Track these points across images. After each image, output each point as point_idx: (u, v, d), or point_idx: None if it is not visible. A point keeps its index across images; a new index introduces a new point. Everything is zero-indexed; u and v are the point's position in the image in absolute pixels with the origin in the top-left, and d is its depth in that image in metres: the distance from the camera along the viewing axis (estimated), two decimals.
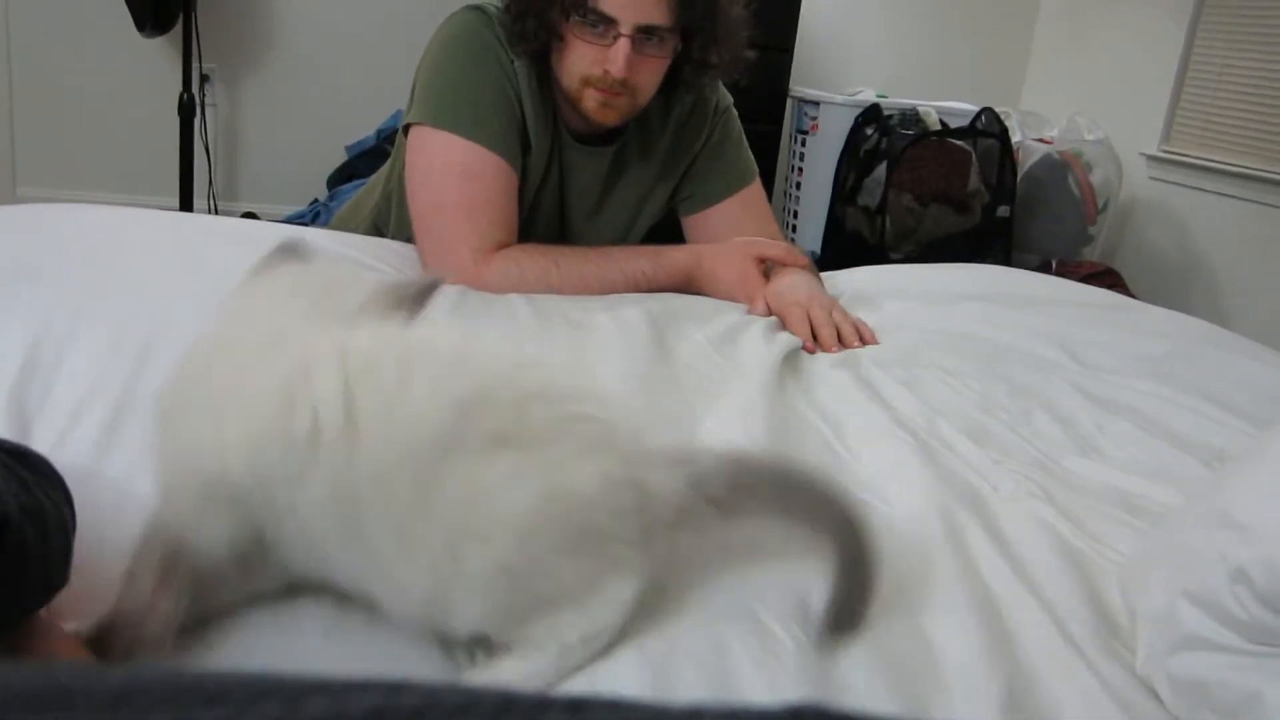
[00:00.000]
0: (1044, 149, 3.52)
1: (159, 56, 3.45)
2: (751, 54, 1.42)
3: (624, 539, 0.61)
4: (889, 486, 0.85)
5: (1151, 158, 3.61)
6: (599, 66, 1.29)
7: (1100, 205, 3.52)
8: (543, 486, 0.57)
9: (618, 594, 0.61)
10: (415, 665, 0.60)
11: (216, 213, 3.57)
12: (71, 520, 0.55)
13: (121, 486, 0.71)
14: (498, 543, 0.56)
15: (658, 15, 1.28)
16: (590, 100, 1.33)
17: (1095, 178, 3.51)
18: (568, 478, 0.58)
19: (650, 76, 1.34)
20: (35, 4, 3.39)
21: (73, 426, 0.78)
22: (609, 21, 1.27)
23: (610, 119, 1.36)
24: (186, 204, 3.38)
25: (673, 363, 1.07)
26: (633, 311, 1.20)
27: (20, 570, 0.48)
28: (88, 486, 0.62)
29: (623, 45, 1.27)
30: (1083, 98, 3.86)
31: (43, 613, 0.53)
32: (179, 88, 3.30)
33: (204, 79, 3.46)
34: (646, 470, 0.61)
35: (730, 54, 1.39)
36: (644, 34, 1.28)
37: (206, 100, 3.50)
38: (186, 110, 3.29)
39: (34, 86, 3.46)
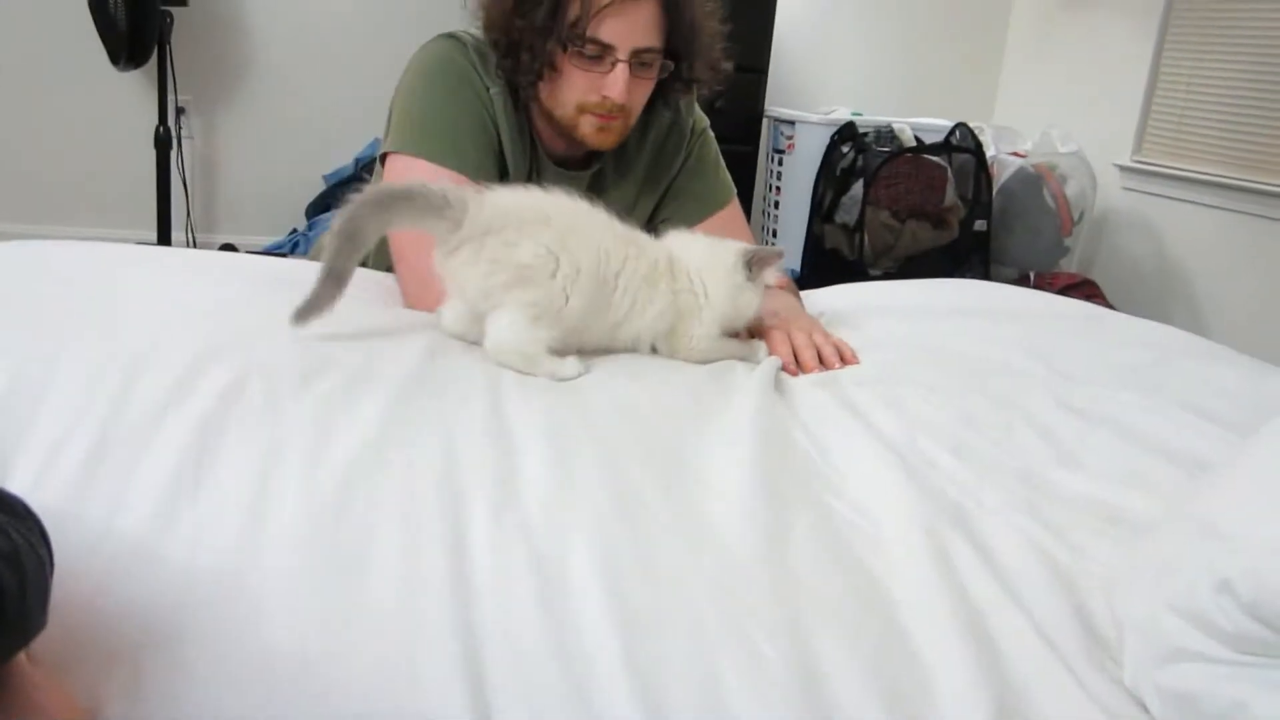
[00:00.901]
0: (1018, 162, 3.56)
1: (134, 90, 3.45)
2: (729, 66, 1.44)
3: None
4: (874, 504, 0.86)
5: (1124, 168, 3.65)
6: (596, 93, 1.31)
7: (1075, 217, 3.55)
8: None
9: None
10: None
11: (195, 245, 3.56)
12: (49, 561, 0.55)
13: (100, 525, 0.70)
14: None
15: (652, 39, 1.30)
16: (587, 126, 1.34)
17: (1070, 190, 3.54)
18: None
19: (642, 97, 1.37)
20: (9, 38, 3.38)
21: (51, 465, 0.77)
22: (606, 49, 1.28)
23: (608, 143, 1.37)
24: (164, 237, 3.37)
25: (660, 386, 1.07)
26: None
27: None
28: (66, 526, 0.62)
29: (621, 71, 1.29)
30: (1055, 111, 3.90)
31: (22, 656, 0.52)
32: (154, 121, 3.30)
33: (180, 111, 3.46)
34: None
35: (709, 69, 1.41)
36: (638, 58, 1.30)
37: (183, 133, 3.50)
38: (162, 143, 3.28)
39: (8, 121, 3.45)
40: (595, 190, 1.48)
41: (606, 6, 1.27)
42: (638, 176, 1.50)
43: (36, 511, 0.56)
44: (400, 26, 3.48)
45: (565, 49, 1.30)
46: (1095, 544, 0.82)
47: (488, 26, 1.35)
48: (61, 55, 3.40)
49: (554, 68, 1.32)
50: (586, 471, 0.85)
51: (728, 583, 0.72)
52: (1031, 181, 3.52)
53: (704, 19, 1.37)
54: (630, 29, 1.28)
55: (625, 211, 1.51)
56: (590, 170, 1.46)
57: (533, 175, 1.43)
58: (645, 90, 1.36)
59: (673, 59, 1.35)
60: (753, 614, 0.69)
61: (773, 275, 1.25)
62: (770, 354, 1.23)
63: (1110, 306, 3.05)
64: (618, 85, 1.29)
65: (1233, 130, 3.29)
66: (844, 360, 1.24)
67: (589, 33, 1.28)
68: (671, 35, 1.32)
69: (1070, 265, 3.64)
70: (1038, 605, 0.73)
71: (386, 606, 0.66)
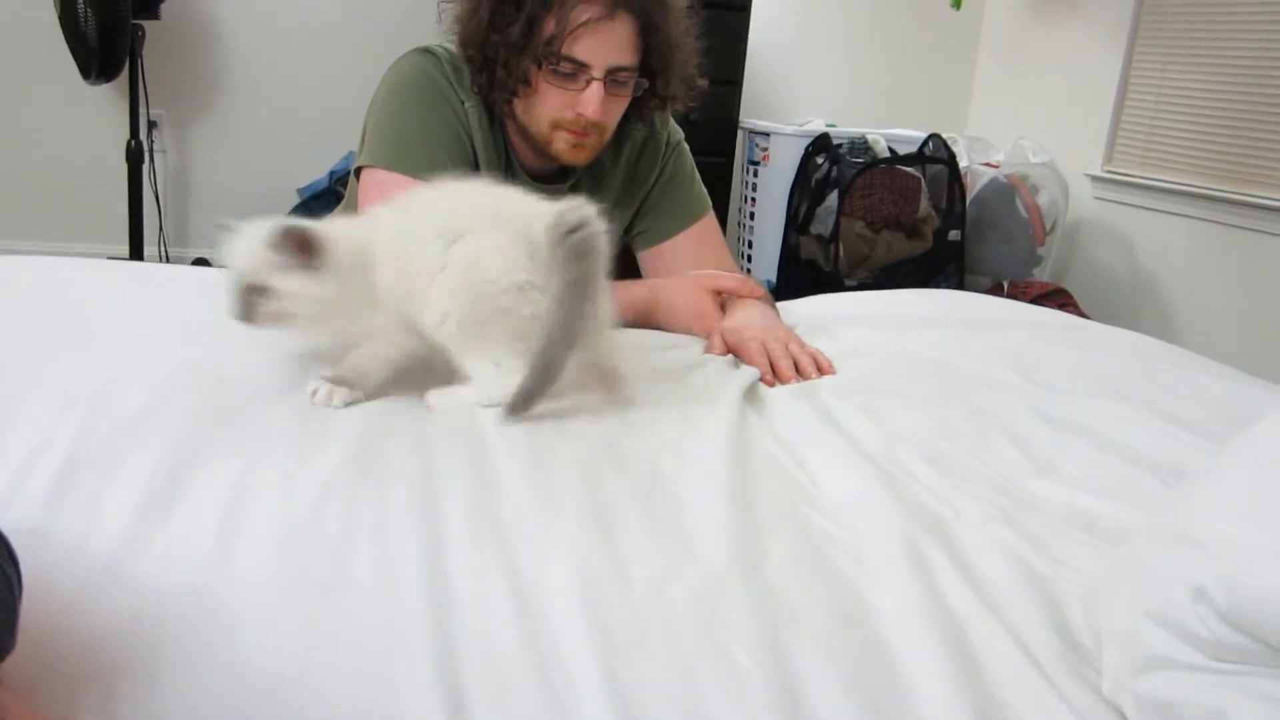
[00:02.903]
0: (991, 173, 3.59)
1: (105, 104, 3.42)
2: (704, 82, 1.44)
3: (537, 286, 0.95)
4: (852, 516, 0.86)
5: (1095, 178, 3.69)
6: (570, 110, 1.31)
7: (1048, 226, 3.58)
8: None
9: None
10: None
11: (168, 260, 3.53)
12: (17, 582, 0.54)
13: (71, 543, 0.69)
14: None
15: (627, 58, 1.30)
16: (561, 142, 1.34)
17: (1042, 199, 3.57)
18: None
19: (616, 114, 1.37)
20: None
21: (21, 483, 0.76)
22: (582, 67, 1.28)
23: (582, 159, 1.37)
24: (136, 252, 3.34)
25: (637, 399, 1.07)
26: None
27: None
28: (35, 544, 0.61)
29: (596, 89, 1.29)
30: (1027, 122, 3.94)
31: None
32: (126, 134, 3.27)
33: (151, 125, 3.43)
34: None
35: (684, 86, 1.41)
36: (612, 76, 1.30)
37: (155, 146, 3.47)
38: (134, 157, 3.26)
39: None
40: None
41: (582, 25, 1.27)
42: (613, 191, 1.50)
43: (4, 531, 0.55)
44: (375, 40, 3.47)
45: (540, 66, 1.29)
46: (1073, 553, 0.82)
47: (463, 42, 1.34)
48: (31, 69, 3.37)
49: (529, 84, 1.32)
50: (564, 486, 0.85)
51: (706, 597, 0.72)
52: (1004, 191, 3.55)
53: (680, 36, 1.37)
54: (605, 48, 1.28)
55: None
56: (566, 184, 1.46)
57: None
58: (620, 107, 1.36)
59: (648, 76, 1.36)
60: (732, 628, 0.69)
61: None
62: (748, 365, 1.23)
63: (1084, 315, 3.07)
64: (592, 104, 1.29)
65: (1201, 140, 3.33)
66: (820, 370, 1.24)
67: (564, 51, 1.28)
68: (647, 53, 1.32)
69: (1044, 274, 3.67)
70: (1017, 615, 0.73)
71: (363, 623, 0.66)
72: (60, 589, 0.63)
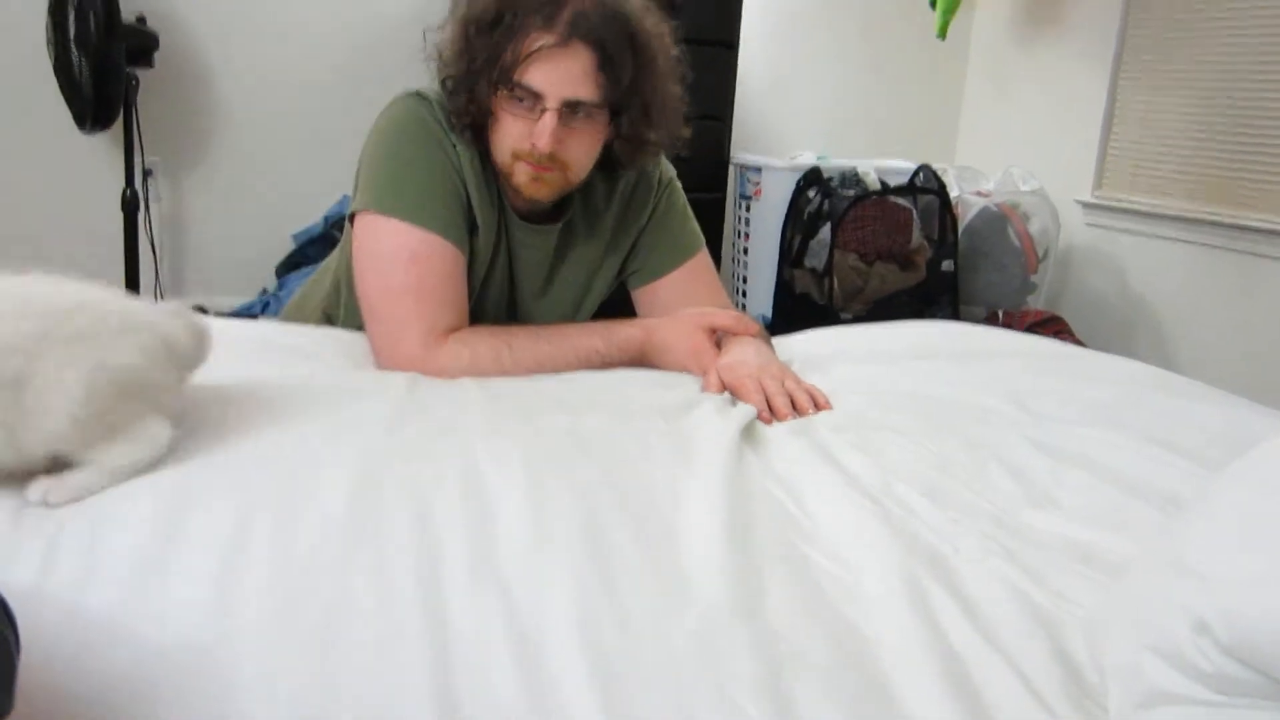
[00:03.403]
0: (982, 202, 3.61)
1: (100, 153, 3.44)
2: (687, 132, 1.44)
3: (163, 385, 0.91)
4: (851, 553, 0.85)
5: (1086, 204, 3.71)
6: (527, 141, 1.31)
7: (1041, 254, 3.60)
8: (91, 363, 0.83)
9: (158, 432, 0.88)
10: None
11: None
12: (15, 643, 0.54)
13: (67, 601, 0.69)
14: (58, 413, 0.81)
15: (584, 90, 1.29)
16: (521, 174, 1.34)
17: (1034, 227, 3.59)
18: (111, 353, 0.85)
19: (580, 151, 1.35)
20: None
21: (16, 543, 0.76)
22: (536, 96, 1.29)
23: (541, 193, 1.37)
24: None
25: (635, 436, 1.07)
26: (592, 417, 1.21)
27: None
28: (30, 606, 0.61)
29: (549, 119, 1.29)
30: (1016, 150, 3.97)
31: None
32: (121, 183, 3.29)
33: (147, 173, 3.45)
34: (166, 328, 0.92)
35: (667, 132, 1.41)
36: (570, 108, 1.30)
37: (150, 195, 3.48)
38: (130, 206, 3.27)
39: None
40: (564, 244, 1.49)
41: (535, 52, 1.27)
42: (606, 230, 1.51)
43: (2, 592, 0.55)
44: (367, 85, 3.49)
45: (497, 92, 1.31)
46: (1073, 585, 0.82)
47: (440, 67, 1.36)
48: (26, 118, 3.39)
49: (493, 113, 1.33)
50: (562, 524, 0.85)
51: (706, 636, 0.72)
52: (996, 220, 3.57)
53: (655, 80, 1.36)
54: (560, 78, 1.28)
55: (593, 266, 1.53)
56: (558, 224, 1.47)
57: (501, 231, 1.43)
58: (583, 144, 1.35)
59: (616, 115, 1.34)
60: (732, 668, 0.69)
61: None
62: (744, 402, 1.23)
63: (1079, 342, 3.08)
64: (545, 134, 1.29)
65: (1190, 162, 3.36)
66: (818, 406, 1.25)
67: (517, 78, 1.28)
68: (611, 90, 1.31)
69: (1037, 302, 3.68)
70: (1018, 650, 0.73)
71: (362, 668, 0.66)
72: (59, 649, 0.63)
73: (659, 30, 1.37)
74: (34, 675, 0.57)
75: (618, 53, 1.29)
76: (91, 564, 0.73)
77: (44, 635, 0.62)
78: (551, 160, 1.32)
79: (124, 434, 0.86)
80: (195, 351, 0.97)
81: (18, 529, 0.77)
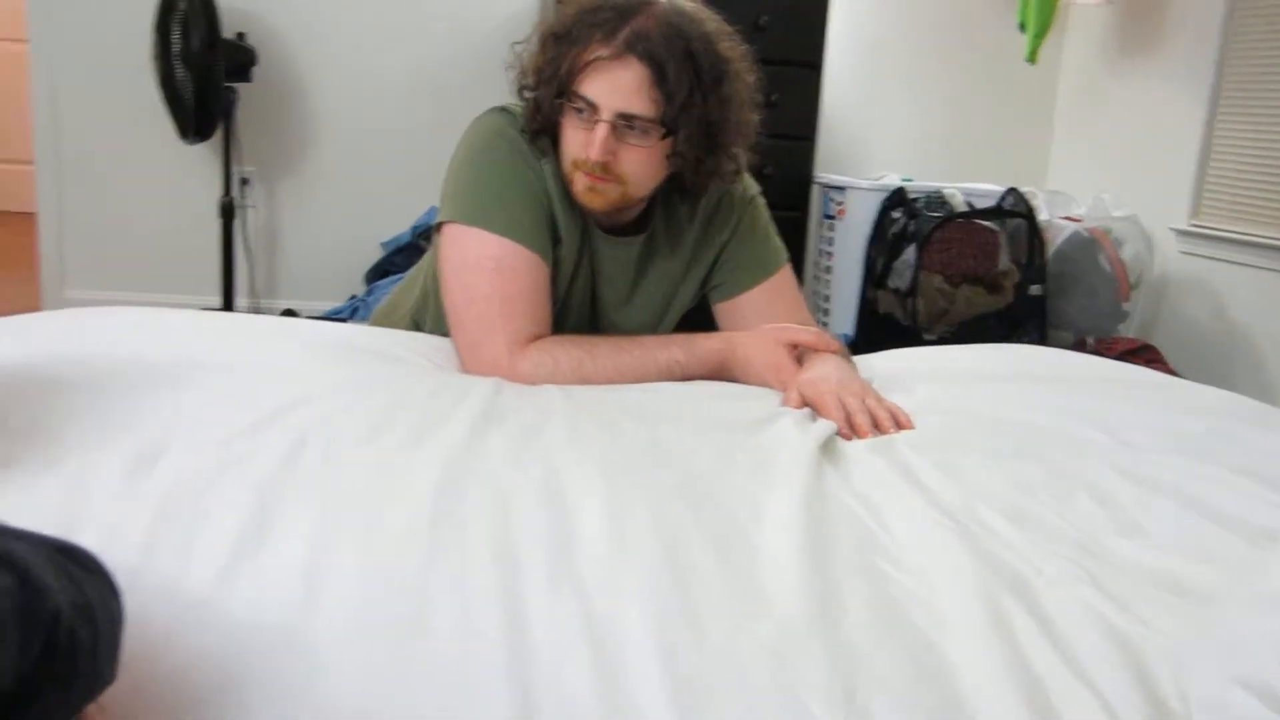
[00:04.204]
0: (1072, 227, 3.54)
1: (200, 162, 3.57)
2: (745, 157, 1.45)
3: None
4: (931, 573, 0.84)
5: (1182, 232, 3.61)
6: (584, 150, 1.34)
7: (1133, 281, 3.51)
8: None
9: None
10: None
11: (257, 311, 3.65)
12: (120, 615, 0.56)
13: (167, 581, 0.72)
14: None
15: (637, 104, 1.31)
16: (579, 183, 1.37)
17: (1126, 254, 3.51)
18: None
19: (637, 167, 1.36)
20: (86, 115, 3.53)
21: (119, 522, 0.79)
22: (592, 107, 1.31)
23: (596, 204, 1.39)
24: (228, 303, 3.46)
25: (713, 448, 1.07)
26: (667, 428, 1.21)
27: (72, 667, 0.48)
28: (132, 584, 0.63)
29: (601, 130, 1.31)
30: (1108, 175, 3.89)
31: (92, 708, 0.54)
32: (220, 191, 3.41)
33: (244, 182, 3.57)
34: None
35: (731, 156, 1.42)
36: (625, 122, 1.32)
37: (246, 202, 3.60)
38: (227, 212, 3.39)
39: (83, 193, 3.58)
40: (646, 257, 1.50)
41: (591, 63, 1.30)
42: (688, 245, 1.52)
43: (108, 566, 0.57)
44: (455, 99, 3.58)
45: (560, 102, 1.34)
46: (1159, 614, 0.80)
47: (518, 76, 1.40)
48: (133, 130, 3.54)
49: (558, 123, 1.36)
50: (640, 534, 0.85)
51: (781, 650, 0.72)
52: (1087, 245, 3.49)
53: (723, 102, 1.36)
54: (613, 89, 1.30)
55: (675, 279, 1.54)
56: (640, 237, 1.48)
57: (584, 242, 1.45)
58: (640, 160, 1.35)
59: (672, 135, 1.34)
60: (807, 682, 0.68)
61: None
62: (824, 418, 1.23)
63: (1171, 372, 3.00)
64: (595, 144, 1.31)
65: None
66: (899, 425, 1.23)
67: (575, 87, 1.31)
68: (668, 108, 1.31)
69: (1129, 330, 3.59)
70: (1101, 677, 0.71)
71: (442, 665, 0.67)
72: (155, 625, 0.66)
73: (731, 53, 1.37)
74: (133, 646, 0.59)
75: (675, 71, 1.30)
76: (189, 548, 0.76)
77: (142, 612, 0.65)
78: (605, 171, 1.34)
79: None
80: None
81: (121, 512, 0.80)
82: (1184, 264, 3.64)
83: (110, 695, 0.54)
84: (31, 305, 3.48)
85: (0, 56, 5.53)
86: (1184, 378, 1.73)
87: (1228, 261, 3.46)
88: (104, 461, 0.88)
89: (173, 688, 0.62)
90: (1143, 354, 3.31)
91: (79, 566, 0.53)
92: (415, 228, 3.58)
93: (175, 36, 3.11)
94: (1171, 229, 3.64)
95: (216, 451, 0.92)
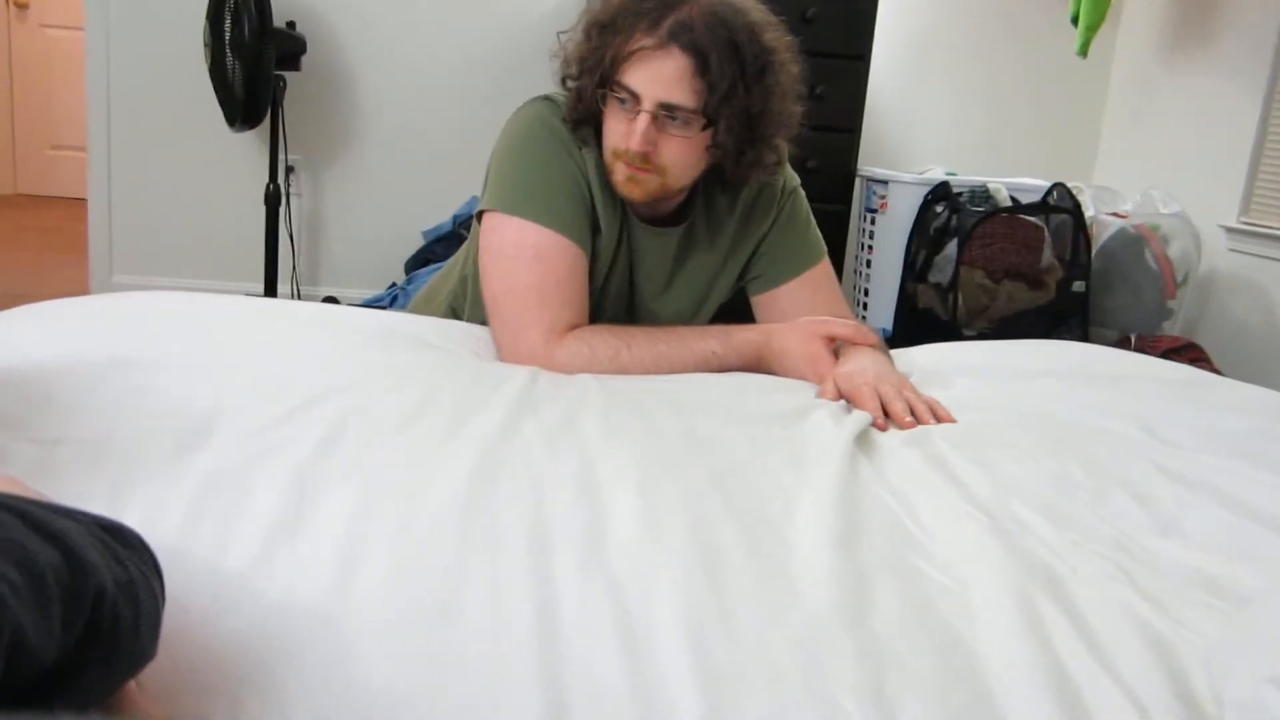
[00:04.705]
0: (1119, 223, 3.48)
1: (248, 150, 3.62)
2: (786, 149, 1.44)
3: None
4: (963, 567, 0.84)
5: (1231, 229, 3.55)
6: (625, 140, 1.34)
7: (1179, 278, 3.45)
8: None
9: None
10: None
11: (299, 297, 3.69)
12: (161, 594, 0.57)
13: (204, 560, 0.73)
14: None
15: (678, 94, 1.31)
16: (619, 173, 1.37)
17: (1173, 251, 3.45)
18: None
19: (675, 157, 1.36)
20: (136, 103, 3.58)
21: (162, 502, 0.81)
22: (634, 97, 1.31)
23: (635, 194, 1.39)
24: (271, 289, 3.50)
25: (747, 440, 1.07)
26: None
27: (114, 643, 0.50)
28: (172, 563, 0.65)
29: (642, 120, 1.31)
30: (1157, 171, 3.82)
31: (131, 684, 0.55)
32: (265, 179, 3.45)
33: (289, 170, 3.61)
34: None
35: (775, 151, 1.42)
36: (666, 112, 1.32)
37: (291, 190, 3.64)
38: (272, 200, 3.43)
39: (132, 180, 3.64)
40: (685, 248, 1.50)
41: (634, 53, 1.30)
42: (727, 236, 1.52)
43: (150, 545, 0.59)
44: (497, 89, 3.59)
45: (602, 91, 1.34)
46: (1195, 614, 0.79)
47: (562, 65, 1.40)
48: (182, 118, 3.59)
49: (600, 111, 1.36)
50: (672, 525, 0.86)
51: (811, 643, 0.72)
52: (1133, 242, 3.44)
53: (766, 94, 1.36)
54: (654, 79, 1.30)
55: (713, 271, 1.54)
56: (679, 227, 1.48)
57: (623, 232, 1.45)
58: (680, 150, 1.35)
59: (713, 126, 1.34)
60: (836, 674, 0.68)
61: None
62: (859, 410, 1.22)
63: (1216, 370, 2.95)
64: (636, 134, 1.31)
65: None
66: (938, 418, 1.23)
67: (617, 76, 1.32)
68: (710, 99, 1.31)
69: (1174, 328, 3.53)
70: (1134, 675, 0.71)
71: (474, 652, 0.68)
72: (194, 604, 0.67)
73: (776, 44, 1.37)
74: (172, 624, 0.61)
75: (718, 62, 1.30)
76: (228, 528, 0.78)
77: (182, 590, 0.66)
78: (645, 161, 1.34)
79: None
80: None
81: (164, 493, 0.82)
82: (1232, 261, 3.58)
83: (148, 672, 0.56)
84: (81, 289, 3.55)
85: (65, 43, 5.62)
86: (1229, 377, 1.70)
87: (1278, 260, 3.40)
88: (149, 443, 0.90)
89: (209, 667, 0.63)
90: (1187, 352, 3.25)
91: (123, 545, 0.54)
92: (456, 217, 3.60)
93: (227, 24, 3.15)
94: (1220, 226, 3.57)
95: (257, 436, 0.93)
